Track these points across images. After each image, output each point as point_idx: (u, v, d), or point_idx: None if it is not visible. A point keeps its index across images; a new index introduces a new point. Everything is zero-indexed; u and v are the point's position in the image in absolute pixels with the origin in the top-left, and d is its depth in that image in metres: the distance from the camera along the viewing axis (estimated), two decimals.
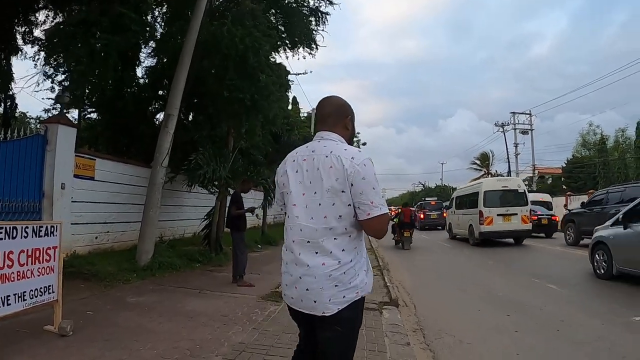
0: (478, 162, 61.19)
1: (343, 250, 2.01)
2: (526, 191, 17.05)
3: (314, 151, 2.15)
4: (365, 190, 1.99)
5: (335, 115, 2.25)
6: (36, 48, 11.34)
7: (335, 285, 1.99)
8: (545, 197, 24.86)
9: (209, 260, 10.11)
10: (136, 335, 4.54)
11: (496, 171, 58.70)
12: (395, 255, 14.20)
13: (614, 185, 17.45)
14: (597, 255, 8.76)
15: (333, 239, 2.01)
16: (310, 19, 12.48)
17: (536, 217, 18.28)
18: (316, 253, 2.01)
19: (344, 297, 2.01)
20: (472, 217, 16.93)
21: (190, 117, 12.75)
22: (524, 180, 46.83)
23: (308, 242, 2.03)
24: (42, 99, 29.13)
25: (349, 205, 2.01)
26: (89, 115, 13.78)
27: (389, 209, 2.81)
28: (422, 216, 28.71)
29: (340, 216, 2.01)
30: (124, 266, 8.05)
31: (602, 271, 8.50)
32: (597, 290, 7.67)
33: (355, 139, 48.66)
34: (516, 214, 15.99)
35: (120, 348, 4.11)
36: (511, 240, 16.81)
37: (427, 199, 34.98)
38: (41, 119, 14.13)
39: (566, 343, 4.87)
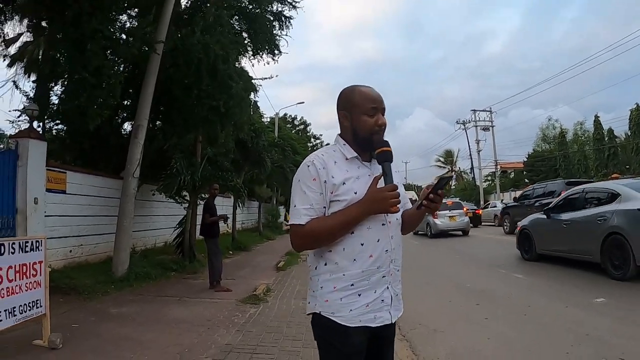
0: (442, 159, 62.50)
1: (314, 255, 1.95)
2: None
3: None
4: None
5: (337, 113, 2.04)
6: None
7: (308, 288, 1.99)
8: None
9: (184, 268, 10.20)
10: (124, 345, 4.69)
11: (459, 168, 60.22)
12: None
13: (540, 182, 20.97)
14: None
15: None
16: (274, 23, 12.57)
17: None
18: None
19: (309, 302, 1.96)
20: None
21: (156, 126, 12.72)
22: (487, 176, 48.44)
23: None
24: (9, 111, 28.03)
25: None
26: (52, 126, 13.54)
27: None
28: None
29: None
30: (100, 278, 8.07)
31: None
32: (560, 277, 8.13)
33: (317, 141, 48.64)
34: None
35: (111, 358, 4.27)
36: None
37: None
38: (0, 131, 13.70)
39: (534, 326, 5.24)
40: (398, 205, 1.79)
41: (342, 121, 1.99)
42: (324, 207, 1.83)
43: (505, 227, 18.65)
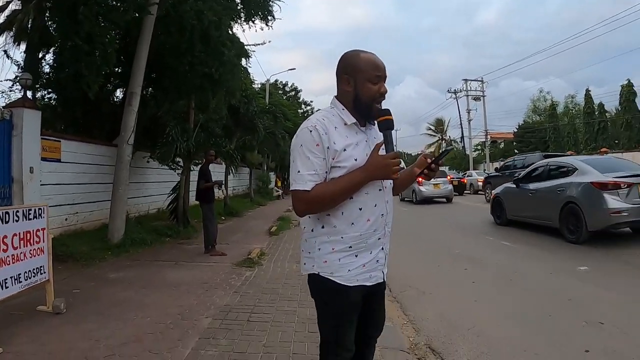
0: (432, 127, 62.58)
1: (309, 217, 1.98)
2: None
3: None
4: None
5: (336, 76, 2.03)
6: None
7: (302, 250, 2.05)
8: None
9: (178, 233, 10.39)
10: (126, 307, 4.89)
11: (449, 137, 60.38)
12: None
13: (520, 154, 23.05)
14: None
15: None
16: None
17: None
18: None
19: (305, 264, 2.03)
20: None
21: (149, 93, 12.66)
22: (477, 145, 48.83)
23: None
24: (0, 81, 27.52)
25: None
26: (44, 94, 13.43)
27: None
28: None
29: None
30: (97, 245, 8.23)
31: None
32: (546, 246, 8.38)
33: (308, 108, 48.32)
34: None
35: (114, 320, 4.44)
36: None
37: None
38: None
39: (518, 290, 5.57)
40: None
41: (342, 85, 1.98)
42: (326, 173, 1.86)
43: (487, 196, 19.53)
